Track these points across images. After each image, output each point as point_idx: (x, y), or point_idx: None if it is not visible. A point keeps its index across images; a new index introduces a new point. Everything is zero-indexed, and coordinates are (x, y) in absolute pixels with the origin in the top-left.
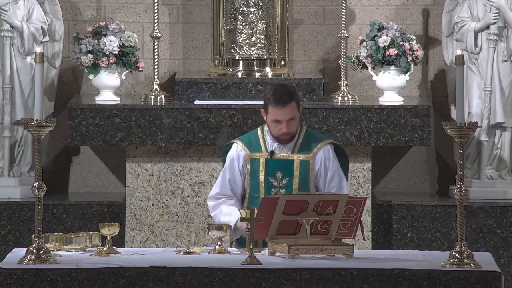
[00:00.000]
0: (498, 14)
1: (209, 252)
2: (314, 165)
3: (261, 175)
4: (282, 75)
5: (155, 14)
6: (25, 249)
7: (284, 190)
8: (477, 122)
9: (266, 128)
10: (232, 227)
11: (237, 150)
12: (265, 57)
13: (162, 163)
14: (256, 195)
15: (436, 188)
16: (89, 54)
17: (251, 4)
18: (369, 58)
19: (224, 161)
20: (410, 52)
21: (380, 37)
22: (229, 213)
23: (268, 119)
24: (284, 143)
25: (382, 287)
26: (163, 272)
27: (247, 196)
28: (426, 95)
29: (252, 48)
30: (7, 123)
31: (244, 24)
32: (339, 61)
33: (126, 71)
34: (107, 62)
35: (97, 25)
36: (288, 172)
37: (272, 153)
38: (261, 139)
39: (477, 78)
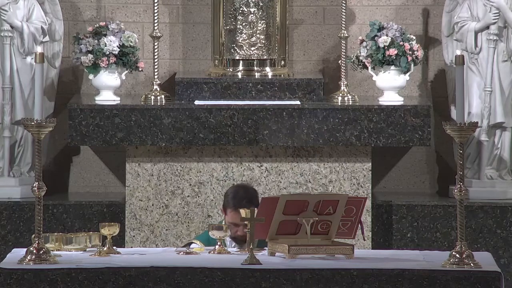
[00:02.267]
0: (498, 14)
1: (209, 252)
2: None
3: None
4: (282, 75)
5: (155, 14)
6: (25, 249)
7: None
8: (477, 122)
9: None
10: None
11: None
12: (265, 57)
13: (162, 163)
14: None
15: (436, 188)
16: (89, 54)
17: (251, 4)
18: (369, 58)
19: None
20: (410, 52)
21: (380, 37)
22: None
23: (226, 220)
24: (240, 244)
25: (382, 287)
26: (163, 272)
27: None
28: (426, 95)
29: (252, 48)
30: (7, 123)
31: (244, 24)
32: (339, 61)
33: (126, 71)
34: (107, 62)
35: (97, 25)
36: None
37: None
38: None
39: (477, 78)
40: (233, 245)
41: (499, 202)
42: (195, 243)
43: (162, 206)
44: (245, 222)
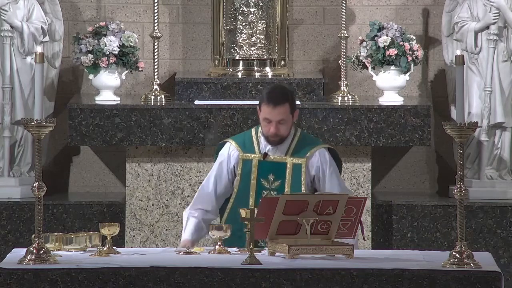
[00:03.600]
0: (498, 14)
1: (209, 252)
2: (308, 168)
3: (253, 176)
4: (282, 75)
5: (155, 14)
6: (25, 249)
7: (275, 192)
8: (477, 122)
9: (260, 129)
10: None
11: (230, 149)
12: (265, 57)
13: (162, 163)
14: (246, 196)
15: (436, 188)
16: (89, 54)
17: (251, 4)
18: (369, 58)
19: (215, 159)
20: (410, 52)
21: (380, 37)
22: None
23: (260, 117)
24: (273, 144)
25: (382, 287)
26: (163, 272)
27: (234, 196)
28: (426, 95)
29: (252, 48)
30: (7, 123)
31: (244, 24)
32: (339, 61)
33: (126, 71)
34: (107, 62)
35: (97, 25)
36: (281, 175)
37: (265, 155)
38: (255, 140)
39: (477, 78)
40: (267, 148)
41: (499, 202)
42: (230, 142)
43: (162, 206)
44: (279, 120)
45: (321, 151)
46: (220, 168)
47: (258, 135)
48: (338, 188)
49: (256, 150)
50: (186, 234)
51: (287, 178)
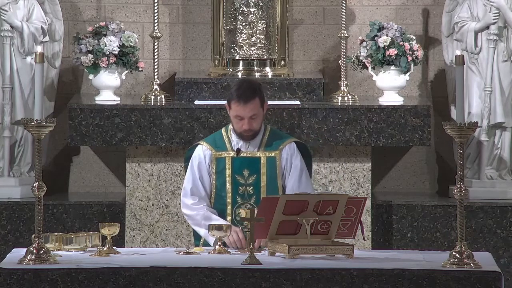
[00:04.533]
0: (498, 14)
1: (209, 252)
2: (281, 161)
3: (228, 173)
4: (282, 75)
5: (155, 14)
6: (25, 249)
7: (252, 187)
8: (477, 122)
9: (230, 127)
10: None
11: (203, 150)
12: (265, 57)
13: (162, 163)
14: (223, 194)
15: (436, 188)
16: (89, 54)
17: (251, 4)
18: (369, 58)
19: (187, 165)
20: (410, 52)
21: (380, 37)
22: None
23: (231, 115)
24: (247, 139)
25: (382, 287)
26: (163, 272)
27: (213, 196)
28: (426, 95)
29: (252, 48)
30: (7, 123)
31: (244, 24)
32: (339, 61)
33: (126, 71)
34: (107, 62)
35: (97, 25)
36: (255, 169)
37: (238, 151)
38: (226, 138)
39: (477, 78)
40: (240, 144)
41: (499, 202)
42: (201, 144)
43: (162, 206)
44: (251, 115)
45: (291, 144)
46: (199, 169)
47: (229, 133)
48: (298, 184)
49: (228, 147)
50: (221, 220)
51: (262, 172)
